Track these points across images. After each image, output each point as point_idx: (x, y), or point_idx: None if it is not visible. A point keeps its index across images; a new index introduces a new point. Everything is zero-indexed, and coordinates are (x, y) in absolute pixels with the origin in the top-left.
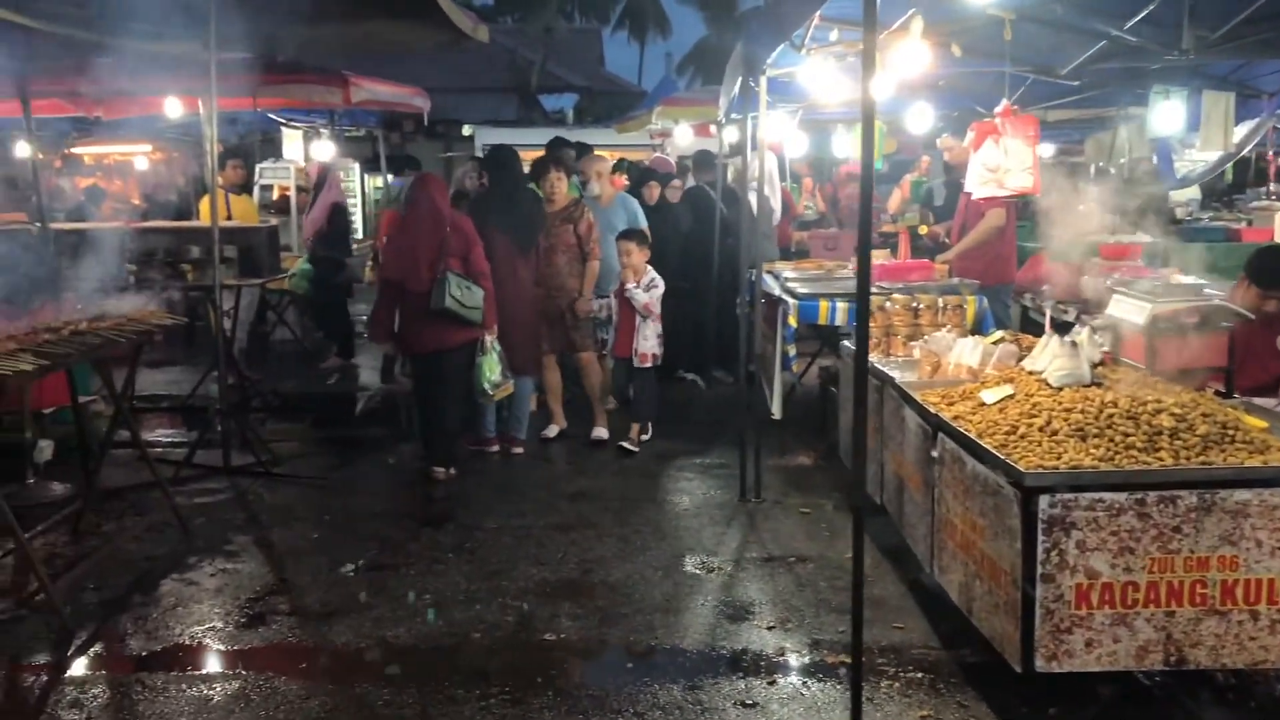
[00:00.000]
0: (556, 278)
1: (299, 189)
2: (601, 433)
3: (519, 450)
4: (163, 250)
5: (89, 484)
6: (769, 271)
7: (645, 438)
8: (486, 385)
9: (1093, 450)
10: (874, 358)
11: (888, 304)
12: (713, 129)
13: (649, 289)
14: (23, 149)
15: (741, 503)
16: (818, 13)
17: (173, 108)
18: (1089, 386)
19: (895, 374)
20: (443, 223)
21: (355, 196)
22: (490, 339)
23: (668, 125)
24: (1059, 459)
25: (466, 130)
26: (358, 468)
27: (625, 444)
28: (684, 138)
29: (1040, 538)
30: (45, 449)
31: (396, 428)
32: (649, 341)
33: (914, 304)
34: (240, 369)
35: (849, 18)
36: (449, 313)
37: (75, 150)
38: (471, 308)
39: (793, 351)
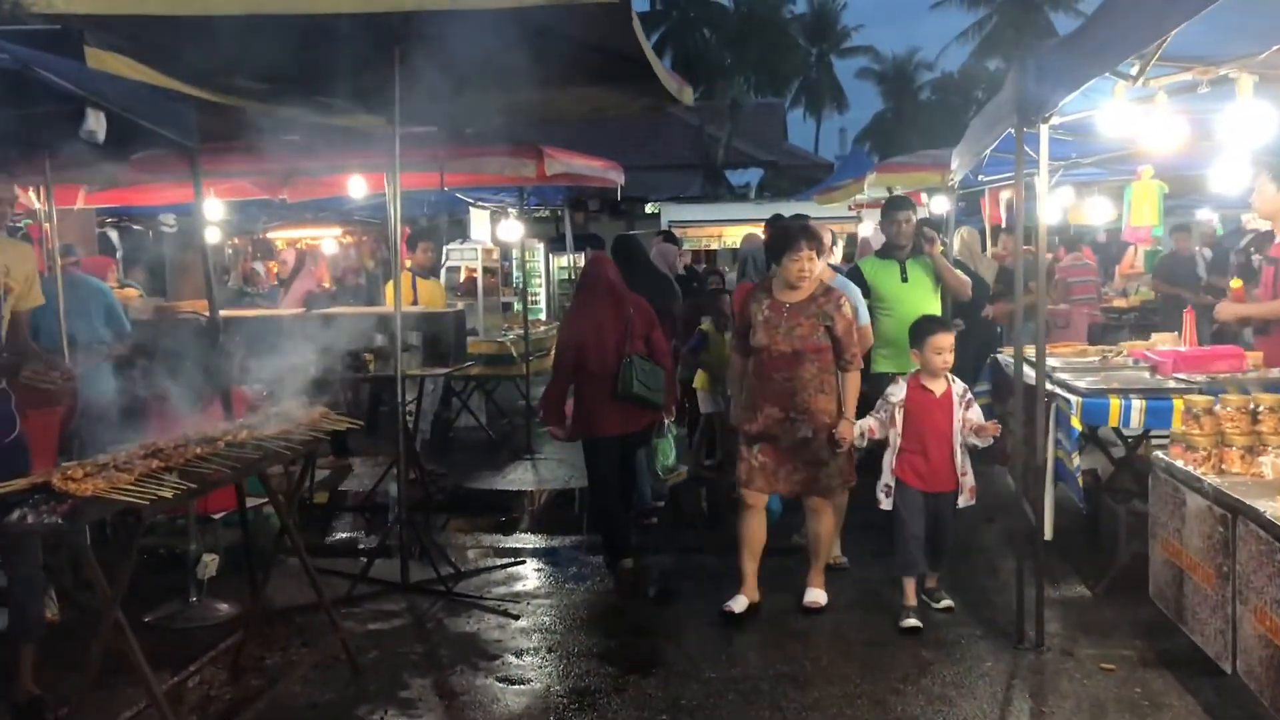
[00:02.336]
0: (802, 394)
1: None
2: (819, 597)
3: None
4: (345, 338)
5: (254, 607)
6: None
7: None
8: (660, 470)
9: None
10: (1205, 474)
11: (1218, 406)
12: (924, 197)
13: (971, 404)
14: (212, 233)
15: (1018, 651)
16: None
17: (357, 187)
18: None
19: (1258, 505)
20: (625, 303)
21: (540, 276)
22: (669, 421)
23: (878, 194)
24: None
25: (650, 208)
26: (545, 586)
27: (940, 605)
28: None
29: None
30: (209, 564)
31: (585, 534)
32: (970, 472)
33: (1252, 405)
34: (421, 464)
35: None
36: (636, 397)
37: (269, 235)
38: (656, 390)
39: (1076, 461)
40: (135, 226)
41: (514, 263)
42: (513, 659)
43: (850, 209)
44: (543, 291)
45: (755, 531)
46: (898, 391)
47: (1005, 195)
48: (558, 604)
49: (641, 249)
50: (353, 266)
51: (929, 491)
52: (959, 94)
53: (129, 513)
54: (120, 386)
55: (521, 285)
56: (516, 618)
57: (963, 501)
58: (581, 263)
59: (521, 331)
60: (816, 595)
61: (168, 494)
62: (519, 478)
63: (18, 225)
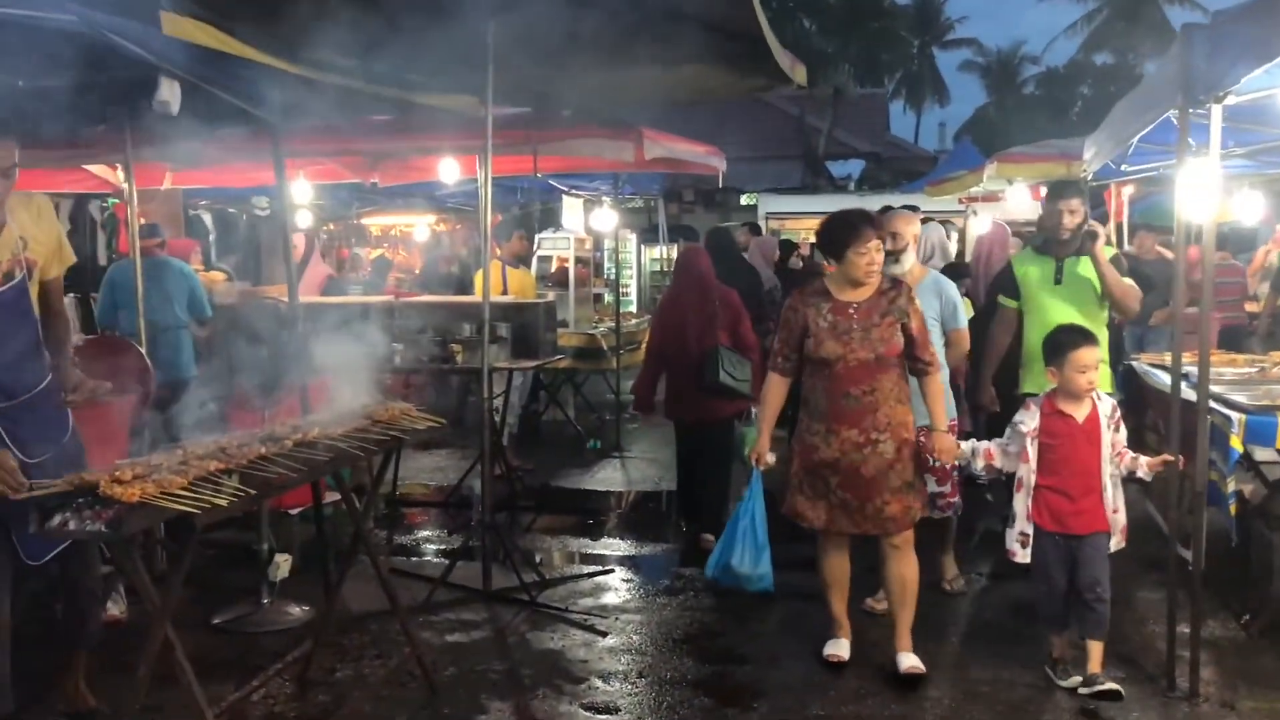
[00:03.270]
0: (884, 408)
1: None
2: (917, 662)
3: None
4: (432, 328)
5: (326, 614)
6: (1157, 366)
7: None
8: (745, 458)
9: None
10: None
11: None
12: (1042, 190)
13: (1119, 425)
14: (304, 217)
15: (1169, 701)
16: None
17: (448, 171)
18: None
19: None
20: (711, 295)
21: (631, 268)
22: (755, 410)
23: (995, 187)
24: None
25: (745, 200)
26: (634, 599)
27: (1103, 687)
28: (1019, 200)
29: None
30: (282, 565)
31: (676, 542)
32: (1122, 508)
33: None
34: (507, 460)
35: None
36: (724, 387)
37: (363, 221)
38: (742, 380)
39: (1232, 485)
40: (230, 210)
41: (605, 253)
42: (600, 683)
43: (960, 202)
44: (634, 284)
45: (841, 569)
46: (1028, 419)
47: (1128, 190)
48: (648, 620)
49: (732, 242)
50: (445, 255)
51: (1076, 535)
52: (1064, 89)
53: (181, 521)
54: (197, 375)
55: (615, 277)
56: (604, 634)
57: (1114, 544)
58: (674, 254)
59: (612, 324)
60: (913, 659)
61: (223, 502)
62: (607, 477)
63: (105, 205)
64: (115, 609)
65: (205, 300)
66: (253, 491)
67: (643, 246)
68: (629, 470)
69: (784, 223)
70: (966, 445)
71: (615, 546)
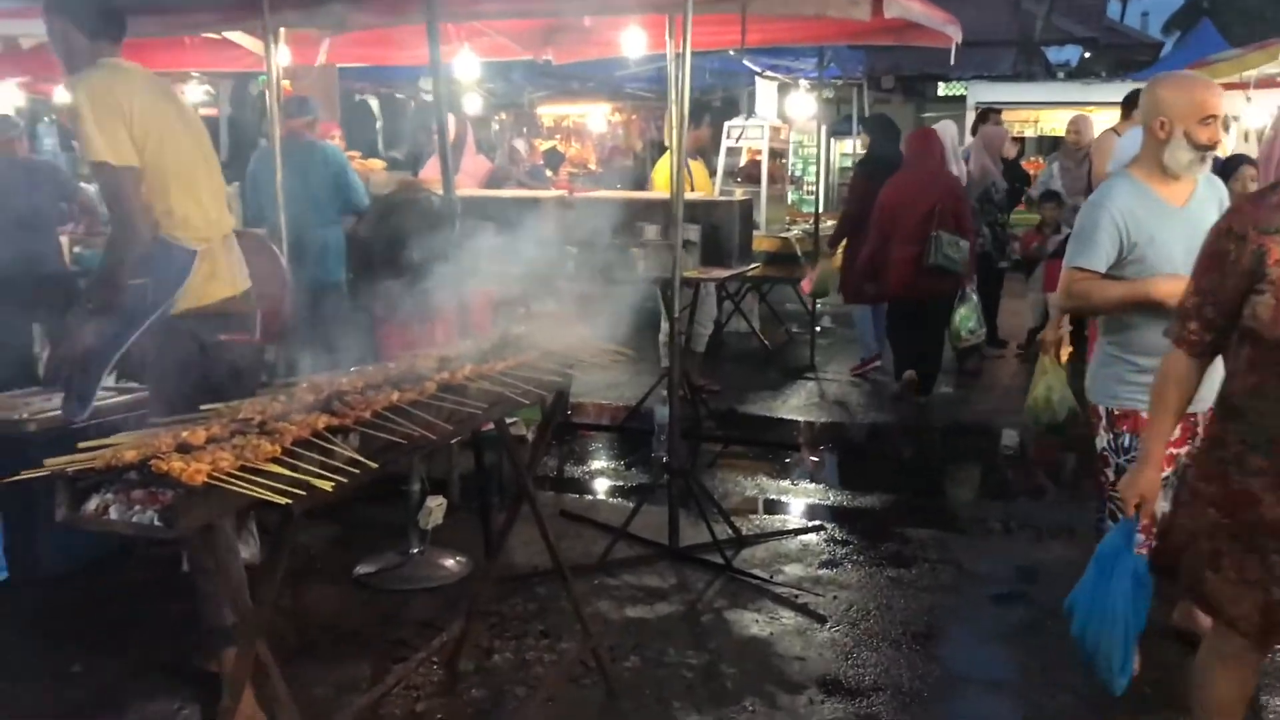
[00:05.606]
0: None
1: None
2: None
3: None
4: (610, 229)
5: (484, 579)
6: None
7: None
8: (963, 331)
9: None
10: None
11: None
12: None
13: None
14: (472, 102)
15: None
16: None
17: (634, 42)
18: None
19: None
20: (938, 182)
21: (819, 163)
22: (970, 288)
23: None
24: None
25: (946, 89)
26: (854, 569)
27: None
28: None
29: None
30: (435, 510)
31: (898, 491)
32: None
33: None
34: (691, 382)
35: None
36: (940, 268)
37: (537, 111)
38: (958, 260)
39: None
40: (397, 95)
41: (792, 147)
42: (824, 697)
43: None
44: (821, 182)
45: (1244, 694)
46: None
47: None
48: (874, 601)
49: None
50: (619, 147)
51: None
52: None
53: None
54: (344, 280)
55: (815, 173)
56: (822, 620)
57: None
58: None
59: (806, 226)
60: None
61: (328, 486)
62: (801, 403)
63: (259, 84)
64: (245, 552)
65: (354, 190)
66: (373, 465)
67: (832, 140)
68: (826, 394)
69: (998, 114)
70: None
71: (819, 494)
